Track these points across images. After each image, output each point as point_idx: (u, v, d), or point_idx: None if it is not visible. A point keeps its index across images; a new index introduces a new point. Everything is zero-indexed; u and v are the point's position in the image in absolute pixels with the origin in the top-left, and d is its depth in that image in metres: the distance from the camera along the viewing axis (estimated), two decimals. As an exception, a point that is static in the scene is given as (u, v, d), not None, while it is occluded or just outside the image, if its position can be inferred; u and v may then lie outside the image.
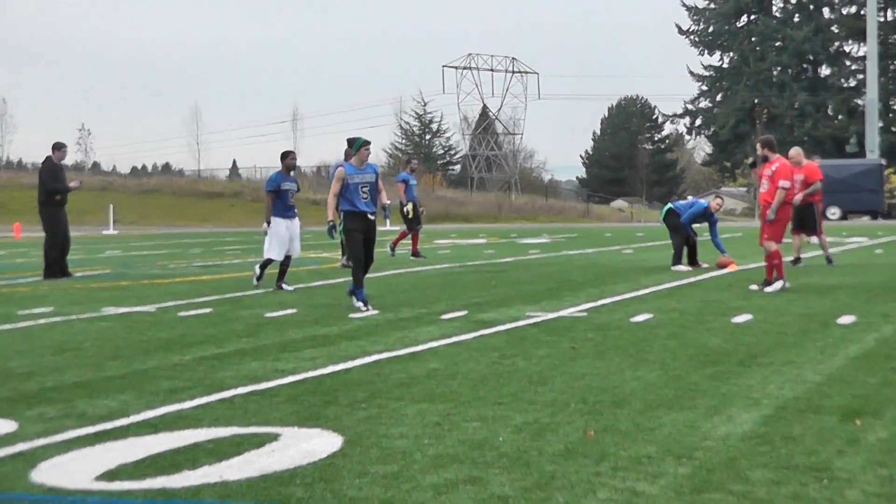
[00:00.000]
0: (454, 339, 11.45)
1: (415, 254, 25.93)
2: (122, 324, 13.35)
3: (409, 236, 26.15)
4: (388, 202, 14.75)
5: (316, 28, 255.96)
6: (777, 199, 16.29)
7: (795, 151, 21.58)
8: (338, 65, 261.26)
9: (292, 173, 17.89)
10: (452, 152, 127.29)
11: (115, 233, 56.10)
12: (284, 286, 17.48)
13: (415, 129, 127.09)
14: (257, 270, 17.95)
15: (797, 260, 21.57)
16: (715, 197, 21.89)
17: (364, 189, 14.27)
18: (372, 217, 14.32)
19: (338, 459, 6.31)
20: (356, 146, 14.58)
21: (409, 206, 25.60)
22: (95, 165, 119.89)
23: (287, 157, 17.82)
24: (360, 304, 14.22)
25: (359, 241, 14.32)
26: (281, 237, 17.51)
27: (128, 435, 7.07)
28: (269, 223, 17.44)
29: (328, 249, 32.89)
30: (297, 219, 17.80)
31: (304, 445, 6.68)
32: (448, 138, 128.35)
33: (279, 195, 17.55)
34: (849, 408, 7.50)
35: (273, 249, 17.54)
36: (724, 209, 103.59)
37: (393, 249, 26.06)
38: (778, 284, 16.15)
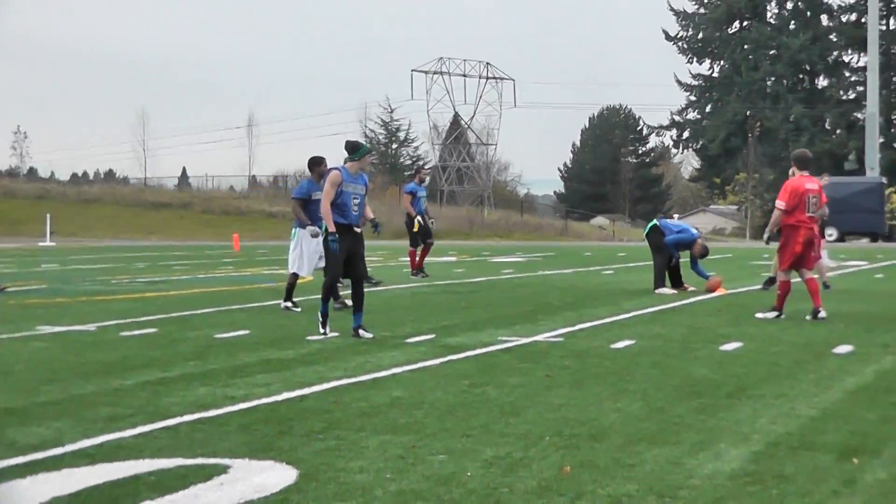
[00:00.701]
0: (420, 364, 11.43)
1: (419, 269, 26.18)
2: (59, 344, 13.26)
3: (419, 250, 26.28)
4: (374, 216, 14.51)
5: (274, 28, 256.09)
6: (771, 219, 16.34)
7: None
8: (297, 68, 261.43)
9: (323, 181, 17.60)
10: (421, 163, 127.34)
11: (52, 245, 55.83)
12: (293, 305, 17.35)
13: (380, 137, 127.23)
14: (288, 305, 17.45)
15: (772, 281, 21.51)
16: (703, 248, 21.52)
17: (356, 201, 13.93)
18: (359, 230, 14.05)
19: (292, 495, 6.28)
20: (360, 152, 14.07)
21: (418, 219, 25.73)
22: (32, 171, 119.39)
23: (320, 163, 17.49)
24: (319, 314, 14.03)
25: (340, 258, 13.85)
26: (311, 251, 17.32)
27: (62, 466, 7.01)
28: (303, 226, 17.27)
29: (284, 266, 32.81)
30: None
31: (255, 479, 6.64)
32: (416, 148, 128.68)
33: (308, 205, 17.33)
34: (845, 445, 7.52)
35: (303, 265, 17.36)
36: (713, 228, 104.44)
37: (419, 271, 26.20)
38: (770, 314, 16.18)
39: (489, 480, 6.58)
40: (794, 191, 15.95)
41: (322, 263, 16.78)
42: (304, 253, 17.40)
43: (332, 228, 13.65)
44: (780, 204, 16.00)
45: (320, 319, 14.01)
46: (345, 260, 13.78)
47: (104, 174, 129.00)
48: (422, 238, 26.05)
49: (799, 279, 16.27)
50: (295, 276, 17.53)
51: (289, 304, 17.41)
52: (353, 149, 14.08)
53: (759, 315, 16.10)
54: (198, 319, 16.14)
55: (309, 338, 13.63)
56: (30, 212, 77.14)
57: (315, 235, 16.79)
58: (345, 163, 14.00)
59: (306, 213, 17.33)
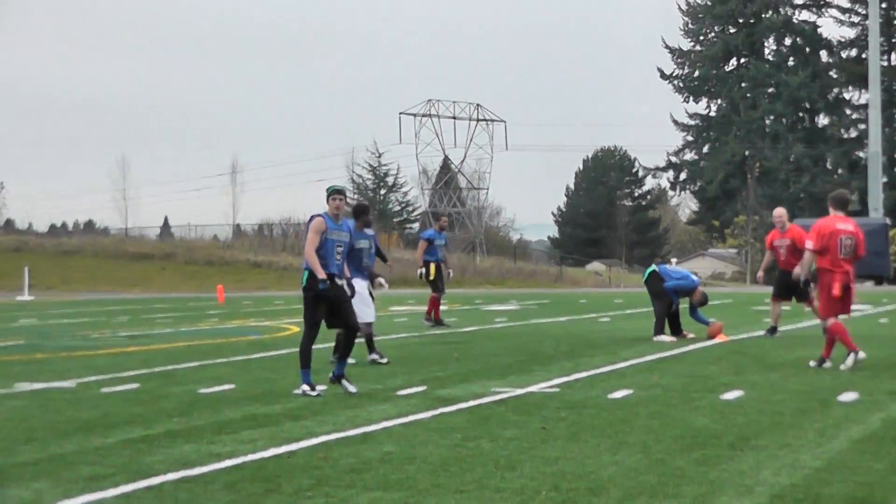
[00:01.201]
0: (411, 418, 11.42)
1: (429, 318, 26.24)
2: (37, 402, 13.23)
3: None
4: (380, 279, 14.12)
5: (257, 72, 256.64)
6: (803, 260, 16.31)
7: (778, 213, 21.80)
8: (282, 112, 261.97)
9: (367, 230, 17.46)
10: (410, 209, 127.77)
11: (30, 299, 55.75)
12: (380, 357, 17.23)
13: (368, 182, 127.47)
14: (375, 357, 17.28)
15: (774, 330, 21.69)
16: (702, 296, 21.69)
17: (339, 249, 13.66)
18: (340, 282, 13.66)
19: (280, 556, 6.27)
20: (327, 195, 13.82)
21: (426, 268, 25.80)
22: (9, 223, 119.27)
23: (367, 212, 17.44)
24: (304, 387, 13.51)
25: (320, 310, 13.58)
26: (366, 299, 17.03)
27: (42, 528, 6.99)
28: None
29: (271, 318, 32.79)
30: (367, 282, 17.38)
31: (241, 540, 6.63)
32: (405, 193, 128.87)
33: (352, 254, 16.67)
34: (852, 497, 7.52)
35: (367, 310, 16.99)
36: (713, 273, 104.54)
37: (438, 322, 26.26)
38: (850, 359, 15.63)
39: (484, 538, 6.57)
40: (820, 231, 15.64)
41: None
42: (363, 299, 16.88)
43: (321, 275, 13.35)
44: (808, 244, 15.84)
45: (308, 389, 13.44)
46: (331, 311, 13.61)
47: (84, 225, 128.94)
48: (432, 286, 26.14)
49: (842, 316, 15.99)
50: (368, 325, 17.16)
51: (375, 356, 17.21)
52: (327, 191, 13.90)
53: (842, 367, 15.60)
54: (181, 374, 16.11)
55: (296, 392, 13.60)
56: (7, 265, 76.99)
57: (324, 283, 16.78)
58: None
59: (352, 263, 16.73)
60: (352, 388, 13.46)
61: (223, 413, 11.97)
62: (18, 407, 12.79)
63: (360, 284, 16.97)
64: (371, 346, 17.40)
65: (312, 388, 13.48)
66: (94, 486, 8.24)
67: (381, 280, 18.64)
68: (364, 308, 16.79)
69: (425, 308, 27.18)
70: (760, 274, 22.34)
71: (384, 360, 17.12)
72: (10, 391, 14.29)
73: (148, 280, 77.10)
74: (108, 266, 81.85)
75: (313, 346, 13.71)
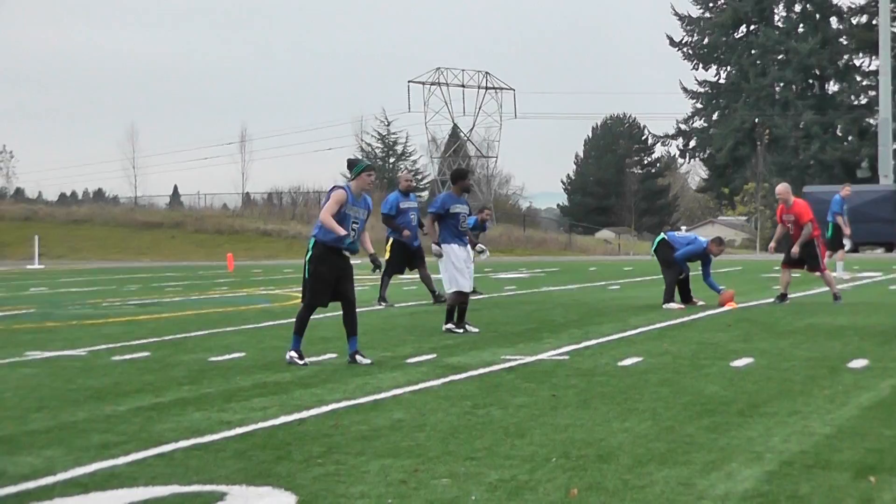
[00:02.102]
0: (421, 385, 11.44)
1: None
2: (48, 370, 13.27)
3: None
4: (374, 252, 13.90)
5: (266, 41, 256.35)
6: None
7: (783, 188, 21.83)
8: (291, 81, 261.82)
9: (465, 195, 17.43)
10: (419, 177, 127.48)
11: (40, 267, 55.85)
12: (469, 327, 16.94)
13: (377, 151, 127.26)
14: (450, 327, 16.90)
15: (783, 297, 21.74)
16: (718, 244, 21.76)
17: (355, 225, 13.41)
18: (348, 256, 13.54)
19: (291, 522, 6.29)
20: (357, 170, 13.48)
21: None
22: (18, 192, 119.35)
23: (465, 176, 17.29)
24: (291, 353, 13.42)
25: (327, 286, 13.41)
26: (460, 266, 16.79)
27: (54, 495, 7.02)
28: (439, 245, 16.79)
29: (280, 286, 32.83)
30: (467, 249, 17.15)
31: (252, 507, 6.65)
32: (414, 162, 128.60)
33: (447, 219, 16.93)
34: (862, 463, 7.52)
35: (460, 280, 16.73)
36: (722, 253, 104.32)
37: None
38: None
39: (494, 504, 6.58)
40: None
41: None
42: (456, 267, 16.78)
43: (342, 232, 13.11)
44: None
45: (295, 357, 13.38)
46: (334, 279, 13.45)
47: (93, 194, 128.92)
48: None
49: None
50: (457, 294, 16.84)
51: (450, 325, 16.93)
52: (350, 166, 13.64)
53: None
54: (191, 342, 16.15)
55: (306, 360, 13.63)
56: (17, 234, 77.15)
57: (438, 255, 16.66)
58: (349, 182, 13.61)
59: (448, 229, 16.89)
60: (366, 361, 13.31)
61: (233, 381, 12.00)
62: (30, 375, 12.83)
63: (458, 252, 16.82)
64: (462, 317, 16.97)
65: (300, 358, 13.37)
66: (105, 453, 8.27)
67: (482, 246, 18.56)
68: (459, 277, 16.70)
69: (432, 277, 27.13)
70: (772, 245, 22.34)
71: (475, 330, 16.85)
72: (22, 359, 14.34)
73: (157, 249, 77.15)
74: (118, 235, 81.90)
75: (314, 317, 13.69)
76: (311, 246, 13.47)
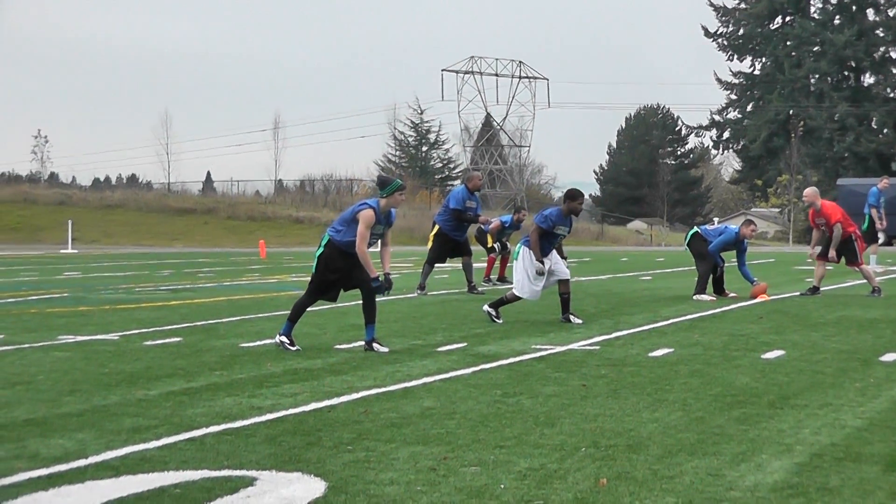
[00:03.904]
0: (451, 374, 11.45)
1: (489, 278, 26.53)
2: (81, 354, 13.34)
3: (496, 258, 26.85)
4: (388, 271, 13.70)
5: (301, 28, 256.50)
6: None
7: (810, 192, 21.73)
8: (325, 68, 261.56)
9: (573, 217, 17.23)
10: (452, 166, 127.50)
11: (74, 252, 56.12)
12: (573, 318, 16.71)
13: (410, 139, 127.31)
14: (491, 312, 16.69)
15: (815, 290, 21.64)
16: (749, 223, 21.76)
17: (373, 239, 13.35)
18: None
19: (320, 508, 6.31)
20: (390, 188, 13.32)
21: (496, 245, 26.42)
22: (53, 177, 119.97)
23: (576, 198, 16.81)
24: (282, 338, 13.47)
25: (331, 286, 13.51)
26: (534, 280, 16.53)
27: (85, 478, 7.06)
28: (542, 261, 16.59)
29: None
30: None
31: (282, 491, 6.68)
32: (447, 150, 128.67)
33: (547, 235, 16.73)
34: (893, 456, 7.50)
35: (528, 288, 16.58)
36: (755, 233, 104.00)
37: (497, 279, 26.62)
38: None
39: (523, 493, 6.59)
40: None
41: (558, 276, 16.68)
42: (530, 278, 16.55)
43: (374, 274, 13.08)
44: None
45: (286, 341, 13.44)
46: (342, 277, 13.40)
47: (126, 179, 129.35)
48: (499, 248, 26.66)
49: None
50: (517, 297, 16.72)
51: (491, 310, 16.71)
52: (382, 184, 13.51)
53: None
54: (223, 328, 16.21)
55: (337, 346, 13.67)
56: (51, 218, 77.57)
57: (541, 273, 16.43)
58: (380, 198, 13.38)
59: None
60: (384, 349, 13.28)
61: (264, 367, 12.04)
62: (63, 359, 12.90)
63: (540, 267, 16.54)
64: (566, 307, 16.84)
65: (292, 344, 13.43)
66: (136, 437, 8.32)
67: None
68: (528, 286, 16.55)
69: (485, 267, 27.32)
70: (812, 252, 22.16)
71: (578, 321, 16.67)
72: (55, 343, 14.41)
73: (190, 234, 77.42)
74: (151, 220, 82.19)
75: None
76: (324, 243, 13.43)
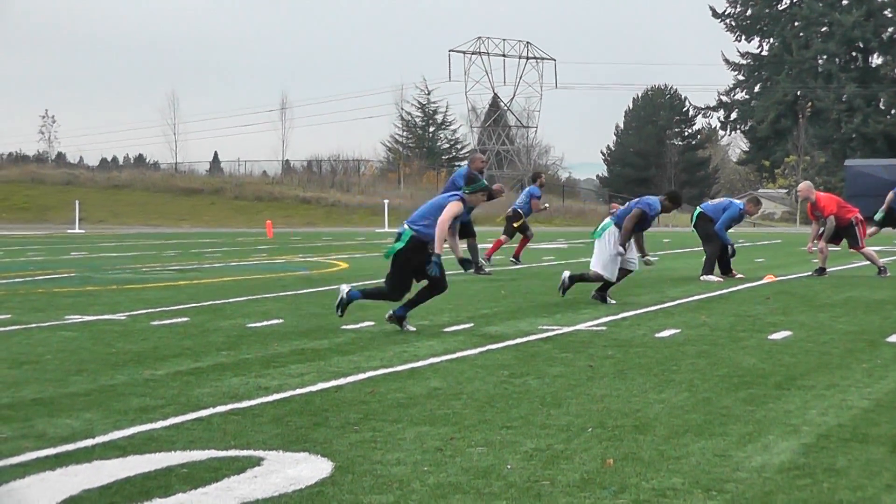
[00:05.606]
0: (458, 354, 11.45)
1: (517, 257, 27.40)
2: (88, 334, 13.35)
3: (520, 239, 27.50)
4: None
5: (307, 8, 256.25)
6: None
7: (804, 188, 21.74)
8: (332, 48, 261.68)
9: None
10: (459, 146, 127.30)
11: (81, 232, 56.18)
12: (610, 299, 16.74)
13: (417, 120, 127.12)
14: (596, 295, 16.82)
15: (822, 270, 21.65)
16: (755, 203, 21.70)
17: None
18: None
19: (327, 487, 6.31)
20: (475, 187, 13.75)
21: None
22: (60, 157, 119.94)
23: (676, 200, 17.89)
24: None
25: (410, 279, 13.51)
26: (615, 260, 16.62)
27: (93, 458, 7.07)
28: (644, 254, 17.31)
29: (319, 253, 32.90)
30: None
31: (289, 471, 6.68)
32: (454, 131, 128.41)
33: (640, 223, 17.01)
34: (899, 437, 7.50)
35: (609, 268, 16.60)
36: (761, 213, 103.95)
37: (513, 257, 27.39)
38: None
39: (530, 473, 6.59)
40: None
41: (626, 266, 16.72)
42: (612, 258, 16.56)
43: (439, 250, 13.18)
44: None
45: (344, 301, 13.61)
46: (418, 271, 13.42)
47: (134, 159, 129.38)
48: (522, 231, 27.14)
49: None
50: (600, 277, 16.70)
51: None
52: (471, 180, 14.01)
53: None
54: (230, 308, 16.21)
55: (344, 327, 13.67)
56: (58, 198, 77.62)
57: (620, 255, 16.48)
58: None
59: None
60: (411, 328, 13.39)
61: (271, 347, 12.05)
62: (70, 338, 12.91)
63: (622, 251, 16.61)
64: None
65: (343, 308, 13.66)
66: (143, 417, 8.33)
67: (651, 259, 18.46)
68: (611, 266, 16.52)
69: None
70: (810, 246, 22.13)
71: (613, 302, 16.64)
72: (62, 323, 14.43)
73: (197, 214, 77.48)
74: (158, 200, 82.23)
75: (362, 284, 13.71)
76: (406, 238, 13.32)
